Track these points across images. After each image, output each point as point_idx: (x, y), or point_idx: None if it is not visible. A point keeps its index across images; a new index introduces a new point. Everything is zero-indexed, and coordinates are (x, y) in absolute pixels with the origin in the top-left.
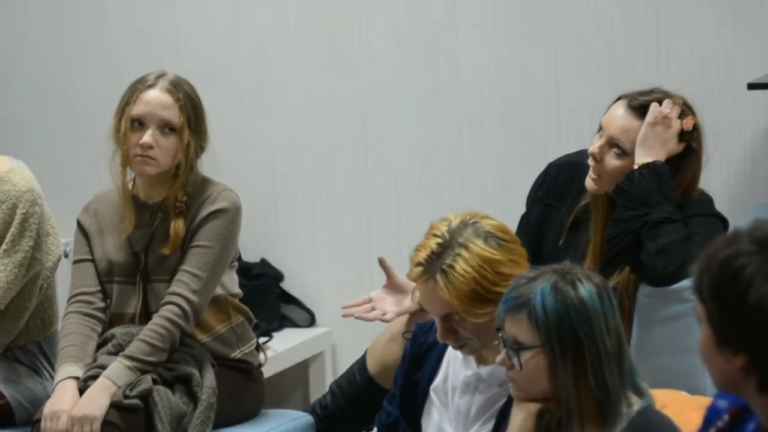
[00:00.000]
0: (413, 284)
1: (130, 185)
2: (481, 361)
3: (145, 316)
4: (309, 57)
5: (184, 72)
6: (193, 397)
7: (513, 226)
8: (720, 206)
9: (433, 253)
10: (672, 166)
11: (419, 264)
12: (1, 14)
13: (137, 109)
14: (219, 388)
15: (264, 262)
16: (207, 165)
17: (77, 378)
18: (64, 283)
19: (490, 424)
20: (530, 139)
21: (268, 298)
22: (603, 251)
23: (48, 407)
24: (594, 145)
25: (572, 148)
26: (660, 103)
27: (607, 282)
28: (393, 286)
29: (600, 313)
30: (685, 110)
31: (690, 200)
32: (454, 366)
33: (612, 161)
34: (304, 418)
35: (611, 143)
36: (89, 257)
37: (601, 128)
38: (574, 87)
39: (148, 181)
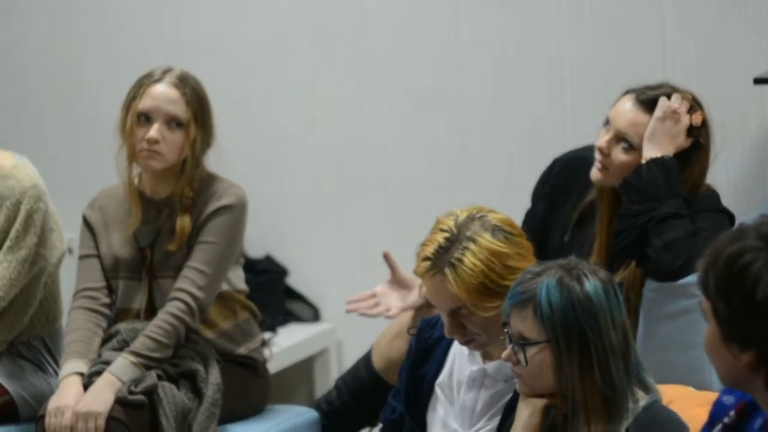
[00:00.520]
0: (418, 280)
1: (136, 180)
2: (486, 356)
3: (151, 312)
4: (314, 54)
5: (190, 68)
6: (198, 393)
7: (518, 222)
8: (726, 201)
9: (440, 247)
10: (680, 161)
11: (427, 258)
12: (6, 9)
13: (144, 104)
14: (224, 384)
15: (269, 258)
16: (212, 161)
17: (82, 374)
18: (68, 279)
19: (496, 420)
20: (535, 134)
21: (272, 294)
22: (609, 246)
23: (52, 403)
24: (601, 139)
25: (578, 144)
26: (669, 97)
27: (613, 277)
28: (397, 281)
29: (605, 308)
30: (694, 105)
31: (697, 196)
32: (460, 361)
33: (620, 155)
34: (310, 413)
35: (619, 137)
36: (95, 253)
37: (607, 122)
38: (579, 83)
39: (154, 177)
